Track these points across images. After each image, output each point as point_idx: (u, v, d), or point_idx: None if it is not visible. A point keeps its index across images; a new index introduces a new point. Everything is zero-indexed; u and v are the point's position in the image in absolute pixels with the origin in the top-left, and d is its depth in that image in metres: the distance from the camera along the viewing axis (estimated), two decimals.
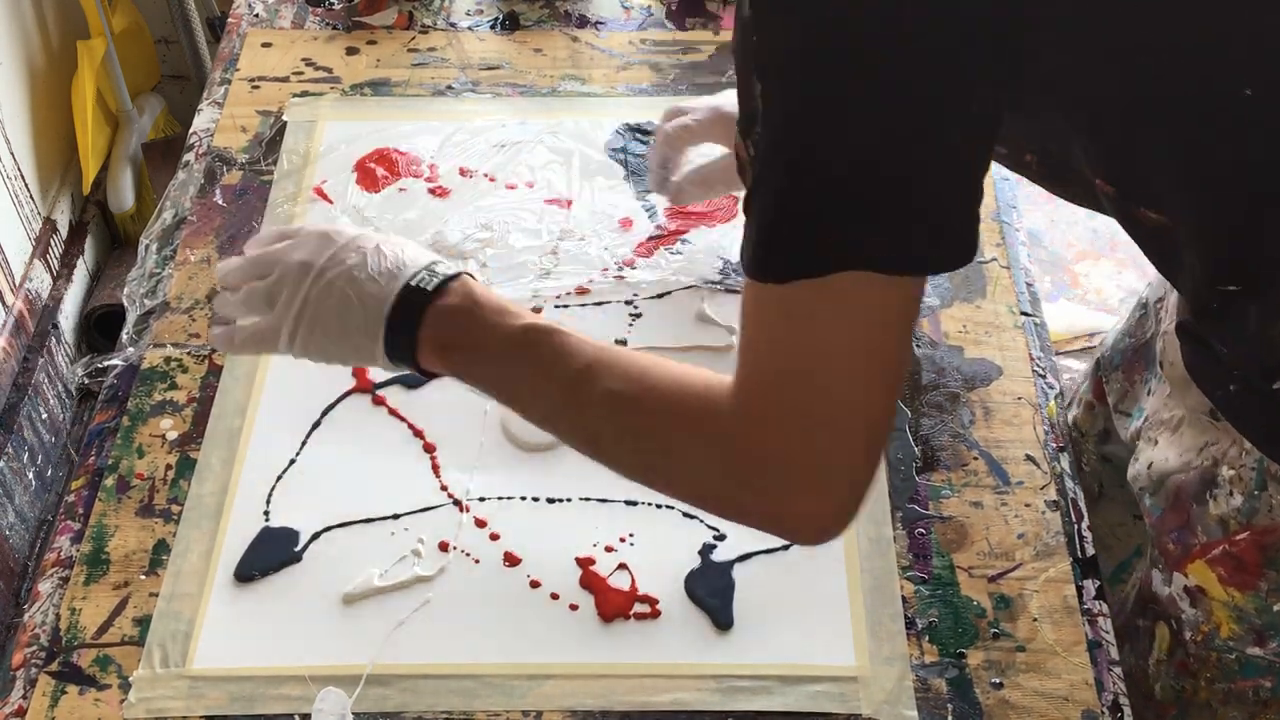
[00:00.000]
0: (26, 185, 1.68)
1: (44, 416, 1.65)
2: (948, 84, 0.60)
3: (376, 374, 1.05)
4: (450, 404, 1.03)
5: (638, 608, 0.91)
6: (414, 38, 1.38)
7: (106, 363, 1.08)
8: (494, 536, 0.95)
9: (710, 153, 1.09)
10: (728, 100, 1.07)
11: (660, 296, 1.11)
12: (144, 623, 0.91)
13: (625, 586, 0.92)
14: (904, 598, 0.91)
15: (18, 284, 1.64)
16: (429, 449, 1.00)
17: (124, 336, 1.10)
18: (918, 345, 1.07)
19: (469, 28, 1.39)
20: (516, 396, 0.80)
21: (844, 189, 0.62)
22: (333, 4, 1.40)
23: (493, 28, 1.39)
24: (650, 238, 1.17)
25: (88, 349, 1.77)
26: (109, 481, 0.99)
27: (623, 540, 0.95)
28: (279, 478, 0.99)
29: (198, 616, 0.91)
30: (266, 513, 0.97)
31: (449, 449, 1.00)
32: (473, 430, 1.01)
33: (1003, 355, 1.06)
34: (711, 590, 0.92)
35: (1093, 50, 0.62)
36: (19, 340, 1.63)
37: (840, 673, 0.88)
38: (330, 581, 0.93)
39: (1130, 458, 0.95)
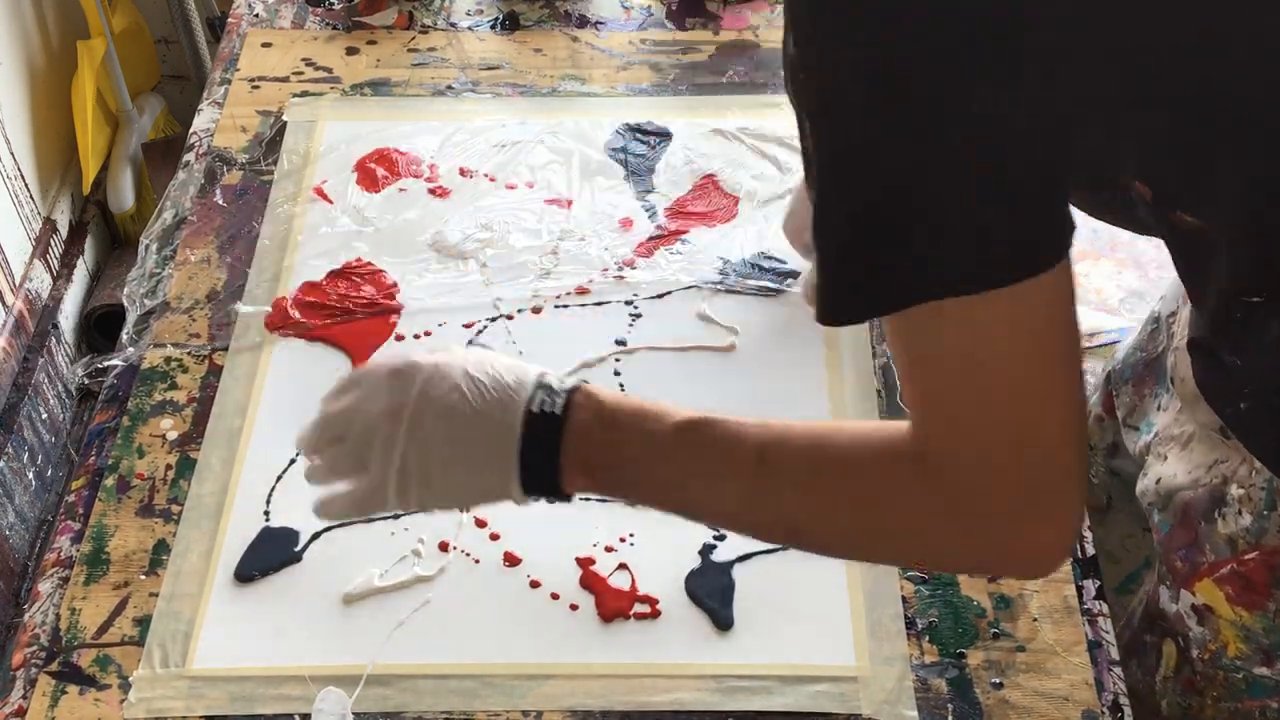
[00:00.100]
0: (26, 185, 1.68)
1: (44, 416, 1.65)
2: (948, 85, 0.59)
3: None
4: None
5: (638, 608, 0.91)
6: (414, 38, 1.38)
7: (106, 363, 1.08)
8: (494, 536, 0.95)
9: None
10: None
11: (660, 296, 1.11)
12: (144, 623, 0.91)
13: (625, 586, 0.92)
14: (904, 598, 0.91)
15: (18, 284, 1.64)
16: None
17: (124, 336, 1.10)
18: None
19: (469, 28, 1.39)
20: (687, 503, 0.74)
21: (895, 222, 0.60)
22: (333, 4, 1.40)
23: (493, 28, 1.39)
24: (650, 238, 1.17)
25: (88, 349, 1.77)
26: (109, 481, 0.99)
27: (623, 540, 0.95)
28: (279, 478, 0.99)
29: (198, 616, 0.91)
30: (266, 513, 0.97)
31: None
32: None
33: None
34: (711, 590, 0.92)
35: (1093, 50, 0.62)
36: (19, 340, 1.63)
37: (840, 673, 0.88)
38: (330, 581, 0.92)
39: (1139, 472, 0.94)
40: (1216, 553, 0.84)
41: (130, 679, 0.88)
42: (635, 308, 1.10)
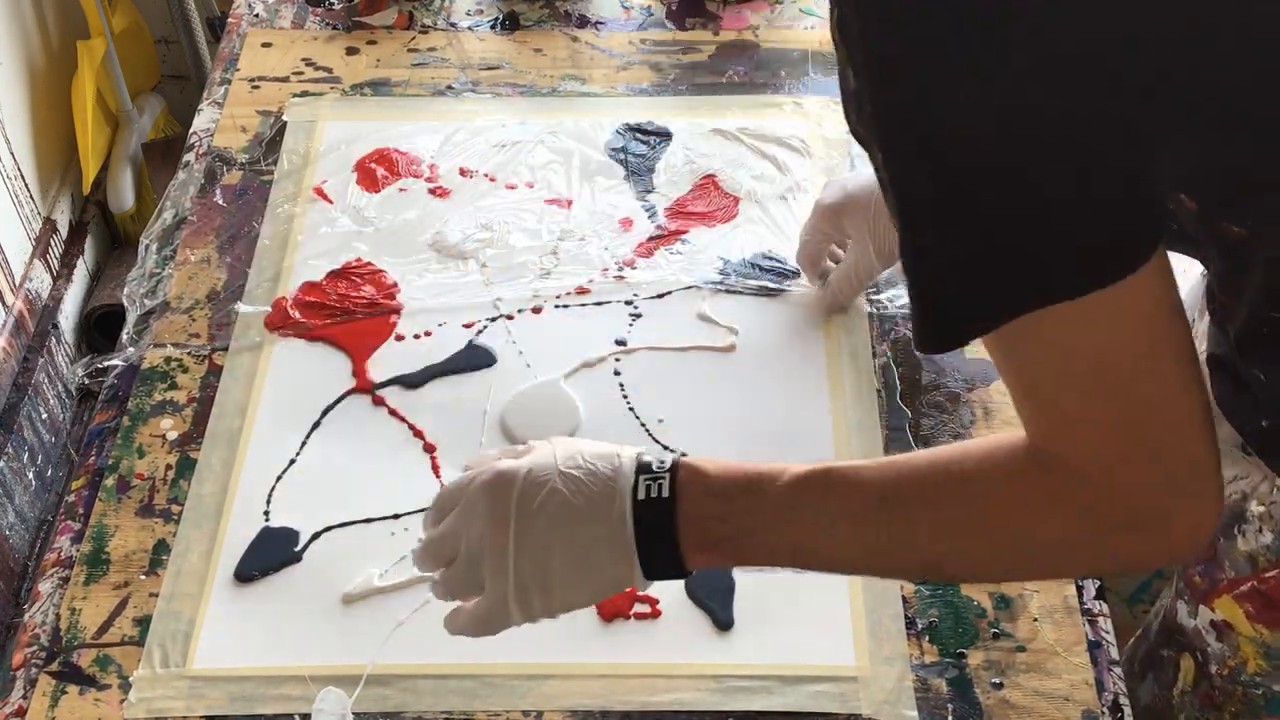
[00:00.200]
0: (26, 185, 1.68)
1: (44, 416, 1.65)
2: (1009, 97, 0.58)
3: (376, 374, 1.05)
4: (450, 404, 1.03)
5: (638, 608, 0.91)
6: (414, 38, 1.38)
7: (106, 363, 1.08)
8: None
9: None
10: (833, 199, 1.06)
11: (660, 296, 1.11)
12: (144, 623, 0.91)
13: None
14: (904, 598, 0.91)
15: (18, 284, 1.63)
16: (429, 449, 1.00)
17: (124, 336, 1.10)
18: None
19: (469, 28, 1.39)
20: (819, 560, 0.73)
21: (985, 241, 0.60)
22: (333, 4, 1.40)
23: (493, 28, 1.39)
24: (650, 238, 1.16)
25: (88, 349, 1.77)
26: (109, 481, 0.99)
27: None
28: (279, 478, 0.99)
29: (198, 616, 0.91)
30: (266, 513, 0.97)
31: (449, 449, 1.00)
32: (473, 430, 1.01)
33: None
34: (711, 590, 0.92)
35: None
36: (19, 340, 1.62)
37: (840, 673, 0.88)
38: (330, 581, 0.92)
39: None
40: (1236, 569, 0.84)
41: (130, 679, 0.88)
42: (635, 308, 1.10)
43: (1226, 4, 0.59)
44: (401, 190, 1.21)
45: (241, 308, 1.10)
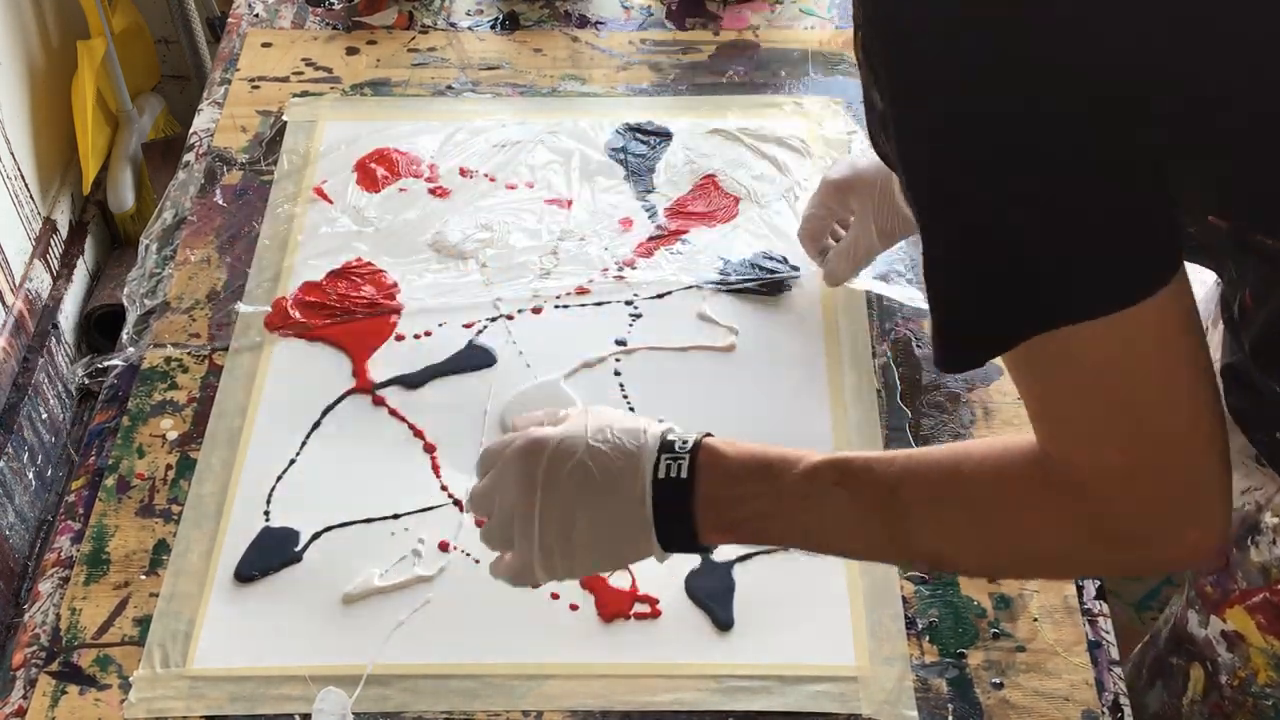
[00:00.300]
0: (26, 185, 1.68)
1: (44, 416, 1.65)
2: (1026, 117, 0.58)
3: (377, 374, 1.05)
4: (450, 404, 1.03)
5: (638, 608, 0.91)
6: (414, 38, 1.38)
7: (106, 363, 1.08)
8: None
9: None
10: (840, 175, 1.06)
11: (660, 296, 1.11)
12: (144, 623, 0.91)
13: (625, 586, 0.92)
14: (904, 598, 0.91)
15: (18, 284, 1.63)
16: (429, 449, 1.00)
17: (124, 336, 1.10)
18: (918, 346, 1.07)
19: (469, 28, 1.39)
20: (829, 545, 0.77)
21: (1004, 260, 0.61)
22: (333, 4, 1.40)
23: (493, 28, 1.39)
24: (650, 238, 1.16)
25: (88, 349, 1.77)
26: (109, 481, 0.99)
27: None
28: (279, 478, 0.99)
29: (198, 616, 0.91)
30: (266, 513, 0.97)
31: (449, 449, 1.00)
32: (473, 430, 1.01)
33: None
34: (711, 590, 0.92)
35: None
36: (19, 340, 1.62)
37: (840, 673, 0.88)
38: (330, 581, 0.92)
39: None
40: (1249, 580, 0.84)
41: (130, 679, 0.88)
42: (635, 308, 1.10)
43: (1252, 28, 0.59)
44: (401, 190, 1.21)
45: (241, 308, 1.10)
